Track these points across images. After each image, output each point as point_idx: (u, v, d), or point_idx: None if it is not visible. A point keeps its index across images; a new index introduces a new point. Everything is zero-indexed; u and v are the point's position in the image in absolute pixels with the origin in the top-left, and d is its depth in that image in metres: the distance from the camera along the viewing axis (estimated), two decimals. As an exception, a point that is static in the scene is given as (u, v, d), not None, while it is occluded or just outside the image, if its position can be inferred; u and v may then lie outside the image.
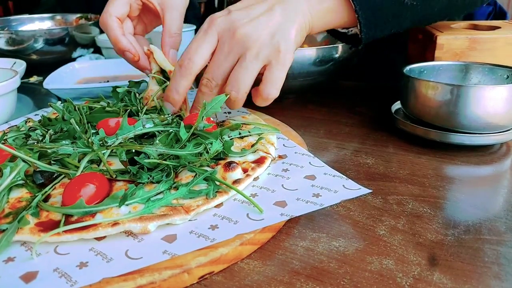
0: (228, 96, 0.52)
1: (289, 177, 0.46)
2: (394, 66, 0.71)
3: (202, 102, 0.53)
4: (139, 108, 0.60)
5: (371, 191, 0.42)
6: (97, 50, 1.13)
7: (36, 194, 0.40)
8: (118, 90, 0.65)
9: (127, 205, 0.39)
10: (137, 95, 0.63)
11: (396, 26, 0.59)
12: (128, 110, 0.57)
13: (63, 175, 0.44)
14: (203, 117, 0.50)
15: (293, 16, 0.53)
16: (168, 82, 0.59)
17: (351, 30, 0.63)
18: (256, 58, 0.51)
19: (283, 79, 0.53)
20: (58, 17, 1.29)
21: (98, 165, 0.46)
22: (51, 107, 0.59)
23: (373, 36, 0.58)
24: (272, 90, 0.52)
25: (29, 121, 0.59)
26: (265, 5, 0.53)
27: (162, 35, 0.64)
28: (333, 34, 0.66)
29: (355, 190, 0.42)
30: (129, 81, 0.67)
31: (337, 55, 0.70)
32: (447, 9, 0.63)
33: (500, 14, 1.18)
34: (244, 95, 0.53)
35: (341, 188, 0.43)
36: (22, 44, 1.00)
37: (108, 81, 0.82)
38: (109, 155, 0.48)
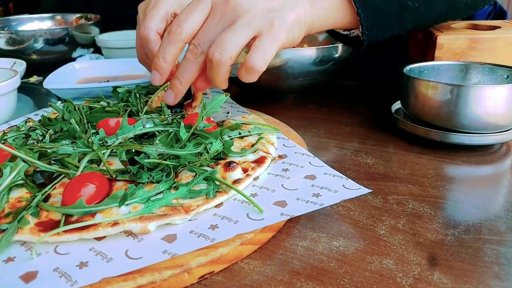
0: (227, 96, 0.52)
1: (289, 177, 0.46)
2: (394, 66, 0.71)
3: (185, 69, 0.51)
4: (140, 108, 0.60)
5: (371, 190, 0.42)
6: (97, 50, 1.12)
7: (36, 194, 0.40)
8: (119, 90, 0.65)
9: (127, 205, 0.39)
10: (137, 95, 0.63)
11: (398, 28, 0.59)
12: (128, 110, 0.58)
13: (63, 175, 0.44)
14: (203, 117, 0.50)
15: (293, 5, 0.51)
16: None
17: (353, 32, 0.63)
18: (248, 24, 0.48)
19: (273, 54, 0.49)
20: (58, 17, 1.29)
21: (98, 165, 0.46)
22: (51, 107, 0.59)
23: (375, 38, 0.58)
24: (257, 59, 0.48)
25: (29, 121, 0.59)
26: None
27: None
28: (334, 36, 0.66)
29: (355, 190, 0.42)
30: (136, 86, 0.67)
31: (337, 55, 0.70)
32: (448, 12, 0.63)
33: (500, 14, 1.18)
34: (227, 59, 0.48)
35: (341, 188, 0.43)
36: (22, 44, 1.00)
37: (108, 81, 0.82)
38: (109, 155, 0.48)
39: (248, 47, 0.50)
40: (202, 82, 0.54)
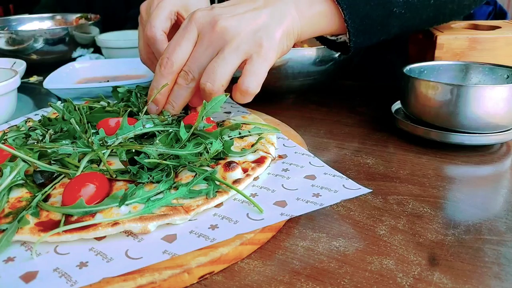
0: (227, 96, 0.52)
1: (289, 177, 0.46)
2: (394, 66, 0.71)
3: (177, 95, 0.53)
4: (140, 108, 0.60)
5: (371, 190, 0.42)
6: (97, 50, 1.12)
7: (36, 194, 0.40)
8: (119, 90, 0.65)
9: (127, 205, 0.39)
10: (138, 95, 0.63)
11: (385, 33, 0.60)
12: (128, 110, 0.57)
13: (63, 175, 0.44)
14: (203, 117, 0.50)
15: (280, 18, 0.52)
16: None
17: (340, 38, 0.63)
18: (236, 50, 0.49)
19: (264, 75, 0.51)
20: (58, 17, 1.29)
21: (98, 165, 0.46)
22: (51, 107, 0.59)
23: (362, 44, 0.58)
24: (251, 83, 0.50)
25: (29, 121, 0.59)
26: (251, 4, 0.52)
27: None
28: (322, 41, 0.66)
29: (355, 190, 0.42)
30: (136, 86, 0.67)
31: (337, 55, 0.70)
32: (435, 17, 0.63)
33: (500, 14, 1.18)
34: (219, 87, 0.51)
35: (341, 188, 0.43)
36: (22, 44, 1.00)
37: (108, 81, 0.82)
38: (109, 155, 0.48)
39: (240, 68, 0.51)
40: (196, 99, 0.56)
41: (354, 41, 0.57)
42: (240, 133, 0.53)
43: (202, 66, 0.51)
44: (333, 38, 0.64)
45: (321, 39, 0.66)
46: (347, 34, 0.57)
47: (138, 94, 0.64)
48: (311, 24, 0.55)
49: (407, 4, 0.58)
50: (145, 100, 0.63)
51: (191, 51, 0.52)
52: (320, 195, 0.42)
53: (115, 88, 0.66)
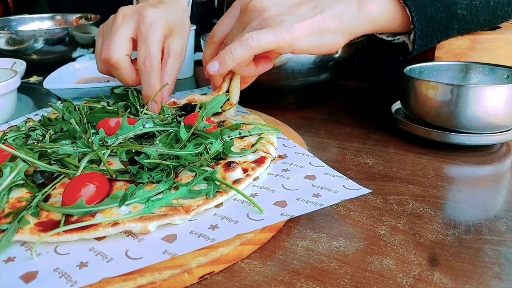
0: (227, 97, 0.52)
1: (289, 177, 0.46)
2: (394, 66, 0.71)
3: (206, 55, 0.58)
4: (139, 107, 0.59)
5: (371, 191, 0.42)
6: (97, 50, 1.12)
7: (36, 194, 0.40)
8: (116, 91, 0.65)
9: (127, 205, 0.39)
10: (135, 93, 0.63)
11: (444, 36, 0.59)
12: (129, 110, 0.57)
13: (63, 175, 0.44)
14: (203, 117, 0.50)
15: (321, 13, 0.52)
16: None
17: (398, 39, 0.61)
18: (261, 24, 0.51)
19: (270, 40, 0.50)
20: (58, 17, 1.29)
21: (98, 165, 0.46)
22: (51, 107, 0.59)
23: (424, 46, 0.58)
24: (256, 36, 0.50)
25: (29, 121, 0.59)
26: (311, 4, 0.53)
27: (160, 80, 0.61)
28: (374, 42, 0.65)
29: (355, 190, 0.42)
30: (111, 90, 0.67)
31: (337, 55, 0.70)
32: (490, 20, 0.62)
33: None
34: (231, 59, 0.51)
35: (341, 188, 0.43)
36: (22, 44, 1.00)
37: (108, 81, 0.82)
38: (109, 155, 0.48)
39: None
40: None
41: (418, 44, 0.56)
42: (240, 133, 0.53)
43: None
44: (389, 38, 0.63)
45: (374, 39, 0.65)
46: (412, 36, 0.56)
47: (135, 93, 0.63)
48: (370, 20, 0.54)
49: (470, 6, 0.57)
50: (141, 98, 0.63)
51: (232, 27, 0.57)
52: (320, 195, 0.42)
53: (112, 89, 0.66)
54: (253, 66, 0.57)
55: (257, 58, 0.56)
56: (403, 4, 0.54)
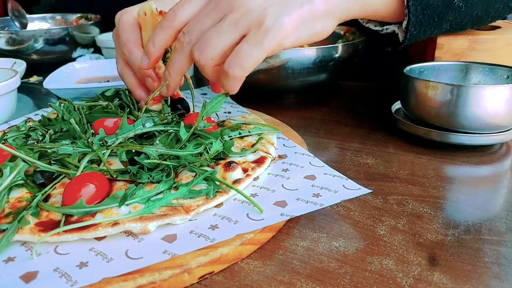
0: (227, 95, 0.51)
1: (289, 177, 0.46)
2: (394, 66, 0.71)
3: (173, 59, 0.48)
4: (132, 106, 0.59)
5: (371, 191, 0.42)
6: (97, 50, 1.12)
7: (36, 194, 0.40)
8: (106, 93, 0.64)
9: (127, 205, 0.39)
10: (126, 92, 0.63)
11: (437, 29, 0.57)
12: (128, 110, 0.57)
13: (63, 175, 0.44)
14: (203, 117, 0.50)
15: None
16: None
17: (387, 29, 0.59)
18: (235, 24, 0.43)
19: (256, 60, 0.43)
20: (58, 17, 1.29)
21: (98, 165, 0.46)
22: (51, 107, 0.59)
23: (416, 36, 0.55)
24: (235, 65, 0.43)
25: (29, 121, 0.59)
26: None
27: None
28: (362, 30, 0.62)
29: (355, 190, 0.42)
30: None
31: (337, 55, 0.70)
32: (481, 17, 0.61)
33: (500, 14, 1.18)
34: (207, 61, 0.45)
35: (341, 188, 0.43)
36: (22, 44, 1.00)
37: (108, 81, 0.82)
38: (109, 155, 0.48)
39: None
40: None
41: (411, 32, 0.53)
42: (240, 133, 0.53)
43: (201, 30, 0.46)
44: (377, 28, 0.60)
45: (361, 28, 0.62)
46: (404, 24, 0.53)
47: (127, 92, 0.63)
48: (364, 2, 0.50)
49: None
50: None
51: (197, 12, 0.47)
52: (320, 195, 0.42)
53: (103, 92, 0.65)
54: None
55: None
56: None
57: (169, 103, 0.59)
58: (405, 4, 0.51)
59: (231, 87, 0.46)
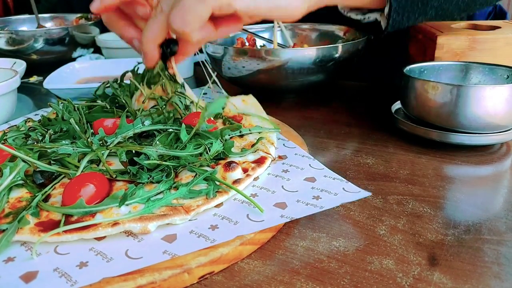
0: (227, 98, 0.51)
1: (289, 178, 0.46)
2: (394, 66, 0.71)
3: (148, 26, 0.47)
4: (126, 102, 0.59)
5: (370, 194, 0.41)
6: (97, 50, 1.12)
7: (36, 194, 0.40)
8: (98, 92, 0.64)
9: (127, 205, 0.39)
10: (114, 85, 0.63)
11: (421, 15, 0.55)
12: (127, 110, 0.57)
13: (63, 175, 0.44)
14: (204, 118, 0.50)
15: None
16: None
17: (369, 17, 0.58)
18: None
19: (199, 15, 0.41)
20: (58, 17, 1.29)
21: (98, 165, 0.46)
22: (51, 107, 0.59)
23: (399, 24, 0.53)
24: (176, 18, 0.42)
25: (29, 121, 0.59)
26: None
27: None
28: (344, 22, 0.60)
29: (355, 193, 0.42)
30: (108, 81, 0.66)
31: (337, 55, 0.70)
32: (468, 3, 0.59)
33: (500, 14, 1.18)
34: (180, 31, 0.43)
35: (341, 191, 0.43)
36: (22, 44, 1.00)
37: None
38: (109, 155, 0.48)
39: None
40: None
41: (393, 19, 0.52)
42: (240, 132, 0.53)
43: None
44: (358, 17, 0.59)
45: (343, 20, 0.60)
46: (386, 10, 0.51)
47: (115, 85, 0.62)
48: None
49: None
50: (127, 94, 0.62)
51: None
52: (320, 198, 0.42)
53: (95, 93, 0.65)
54: (211, 28, 0.46)
55: (220, 18, 0.45)
56: None
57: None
58: None
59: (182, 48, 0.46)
